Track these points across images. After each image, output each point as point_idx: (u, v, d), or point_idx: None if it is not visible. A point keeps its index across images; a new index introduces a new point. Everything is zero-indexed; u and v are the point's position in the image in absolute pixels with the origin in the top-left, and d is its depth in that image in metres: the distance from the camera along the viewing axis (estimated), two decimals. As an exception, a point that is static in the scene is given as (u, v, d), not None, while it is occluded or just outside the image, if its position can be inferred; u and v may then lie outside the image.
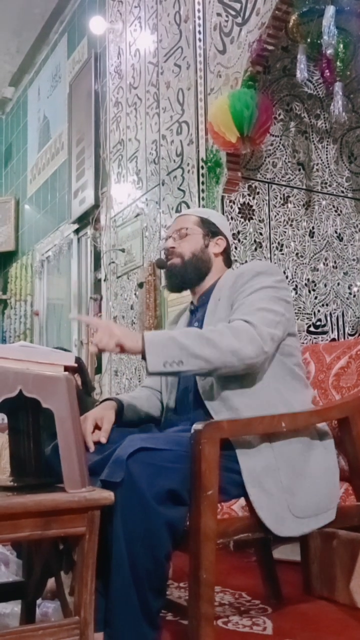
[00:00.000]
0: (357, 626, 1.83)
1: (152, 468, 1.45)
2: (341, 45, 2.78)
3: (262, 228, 3.22)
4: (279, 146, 3.30)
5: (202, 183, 3.22)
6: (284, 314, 1.73)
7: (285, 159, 3.33)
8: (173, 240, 1.93)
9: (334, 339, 3.34)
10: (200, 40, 3.32)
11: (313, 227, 3.39)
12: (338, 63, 2.80)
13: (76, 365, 1.41)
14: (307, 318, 3.29)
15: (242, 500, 1.59)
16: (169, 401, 1.88)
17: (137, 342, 1.59)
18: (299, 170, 3.37)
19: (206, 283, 1.92)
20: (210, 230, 1.94)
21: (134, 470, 1.43)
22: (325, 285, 3.39)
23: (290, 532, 1.59)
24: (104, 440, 1.71)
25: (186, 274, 1.90)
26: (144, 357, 1.59)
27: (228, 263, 1.98)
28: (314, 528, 1.63)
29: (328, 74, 2.92)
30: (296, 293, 3.27)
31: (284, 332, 1.74)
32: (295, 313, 3.24)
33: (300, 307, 3.27)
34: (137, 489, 1.42)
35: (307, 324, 3.28)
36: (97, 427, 1.74)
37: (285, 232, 3.29)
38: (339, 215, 3.48)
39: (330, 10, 2.62)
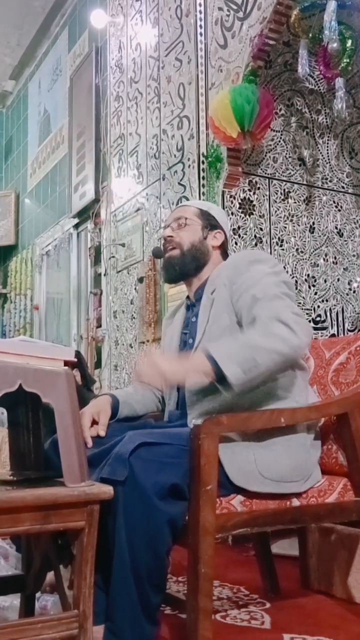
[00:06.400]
0: (354, 620, 1.83)
1: (153, 464, 1.45)
2: (349, 42, 2.77)
3: (262, 223, 3.22)
4: (279, 141, 3.29)
5: (203, 178, 3.21)
6: (293, 296, 1.75)
7: (286, 154, 3.32)
8: (171, 230, 1.92)
9: (333, 335, 3.34)
10: (201, 34, 3.31)
11: (313, 223, 3.39)
12: (345, 59, 2.79)
13: (76, 360, 1.41)
14: (307, 314, 3.29)
15: (240, 496, 1.60)
16: (170, 401, 1.88)
17: (204, 365, 1.52)
18: (300, 165, 3.37)
19: (202, 276, 1.90)
20: (210, 222, 1.92)
21: (136, 467, 1.43)
22: (325, 281, 3.39)
23: (249, 486, 1.59)
24: (102, 433, 1.72)
25: (184, 265, 1.88)
26: (220, 379, 1.52)
27: (225, 257, 1.96)
28: (273, 491, 1.62)
29: (329, 69, 2.92)
30: (296, 288, 3.27)
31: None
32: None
33: (300, 303, 3.27)
34: (139, 486, 1.42)
35: (307, 319, 3.28)
36: (94, 422, 1.75)
37: (285, 227, 3.29)
38: (339, 210, 3.48)
39: (332, 5, 2.61)
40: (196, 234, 1.90)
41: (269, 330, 1.58)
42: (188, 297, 1.98)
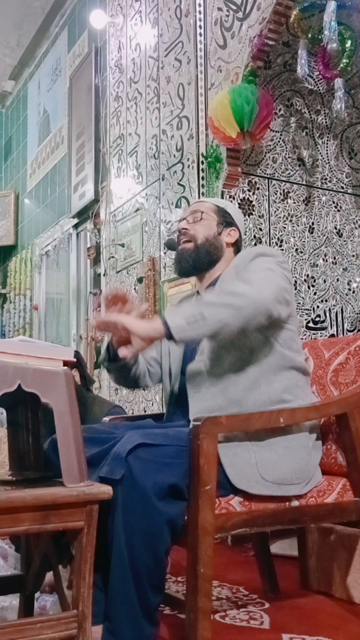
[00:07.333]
0: (354, 621, 1.83)
1: (152, 464, 1.45)
2: (348, 42, 2.77)
3: (261, 223, 3.22)
4: (279, 142, 3.29)
5: (202, 178, 3.22)
6: (289, 281, 1.73)
7: (286, 154, 3.32)
8: (187, 223, 1.93)
9: (332, 335, 3.34)
10: (201, 34, 3.31)
11: (313, 223, 3.39)
12: (344, 59, 2.79)
13: (75, 360, 1.41)
14: (306, 314, 3.29)
15: (240, 496, 1.60)
16: (173, 388, 1.88)
17: (156, 322, 1.53)
18: (299, 165, 3.37)
19: (214, 272, 1.90)
20: (225, 219, 1.93)
21: (134, 466, 1.43)
22: (325, 281, 3.39)
23: (250, 489, 1.59)
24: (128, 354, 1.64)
25: (197, 259, 1.88)
26: (168, 334, 1.51)
27: None
28: (274, 494, 1.62)
29: (328, 69, 2.92)
30: (295, 289, 3.27)
31: (290, 300, 1.72)
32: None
33: (299, 303, 3.27)
34: (138, 486, 1.42)
35: (306, 319, 3.28)
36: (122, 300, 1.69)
37: (285, 227, 3.29)
38: (338, 211, 3.48)
39: (331, 5, 2.61)
40: (211, 229, 1.91)
41: (224, 289, 1.64)
42: (198, 292, 1.98)
